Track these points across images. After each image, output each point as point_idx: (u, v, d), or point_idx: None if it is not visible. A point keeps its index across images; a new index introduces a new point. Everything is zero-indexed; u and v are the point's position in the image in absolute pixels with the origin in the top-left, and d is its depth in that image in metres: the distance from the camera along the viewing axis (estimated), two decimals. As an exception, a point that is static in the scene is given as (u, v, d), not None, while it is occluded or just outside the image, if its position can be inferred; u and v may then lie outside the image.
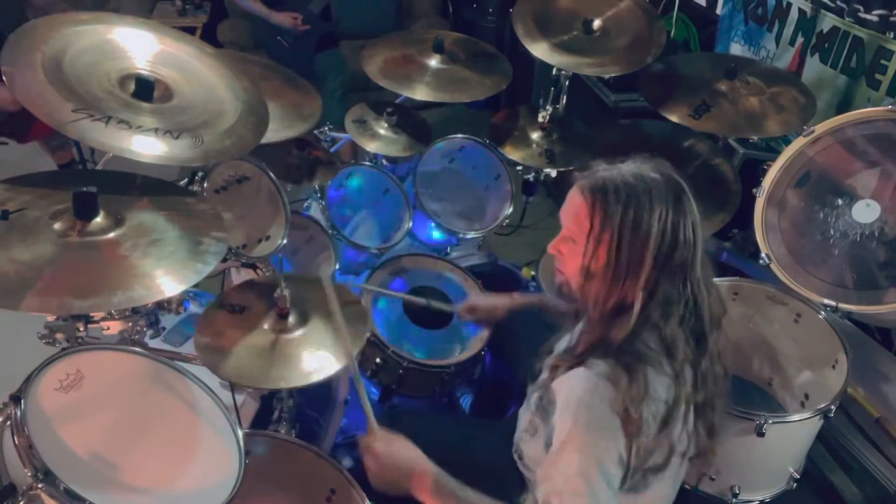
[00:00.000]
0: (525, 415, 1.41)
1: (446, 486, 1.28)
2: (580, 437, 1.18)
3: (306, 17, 3.52)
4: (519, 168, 2.51)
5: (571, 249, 1.28)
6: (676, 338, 1.23)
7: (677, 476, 1.37)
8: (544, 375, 1.34)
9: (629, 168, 1.25)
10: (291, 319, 1.61)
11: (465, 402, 2.27)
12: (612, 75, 2.92)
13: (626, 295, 1.22)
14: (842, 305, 1.89)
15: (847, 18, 2.46)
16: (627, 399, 1.17)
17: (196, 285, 1.40)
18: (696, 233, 1.23)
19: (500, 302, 2.01)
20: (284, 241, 2.05)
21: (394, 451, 1.36)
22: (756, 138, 2.59)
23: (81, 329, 1.54)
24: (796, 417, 1.81)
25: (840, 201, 1.97)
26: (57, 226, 1.35)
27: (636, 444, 1.18)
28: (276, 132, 2.02)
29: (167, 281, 1.32)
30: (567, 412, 1.21)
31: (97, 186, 1.38)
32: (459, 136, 2.55)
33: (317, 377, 1.55)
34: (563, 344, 1.42)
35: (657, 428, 1.21)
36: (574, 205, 1.26)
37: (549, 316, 1.52)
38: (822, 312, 1.95)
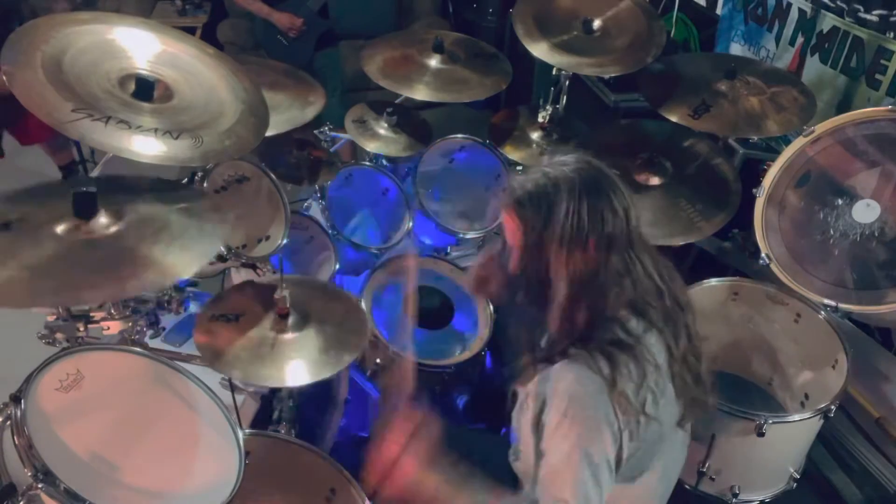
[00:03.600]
0: (514, 416, 1.42)
1: None
2: (566, 429, 1.19)
3: (305, 15, 3.52)
4: (519, 168, 2.51)
5: None
6: (642, 307, 1.27)
7: (671, 463, 1.38)
8: (527, 373, 1.35)
9: (540, 169, 1.29)
10: (291, 320, 1.61)
11: (461, 403, 2.26)
12: (612, 75, 2.92)
13: (571, 283, 1.25)
14: (842, 305, 1.89)
15: (847, 18, 2.45)
16: (613, 384, 1.19)
17: (195, 285, 1.40)
18: (625, 205, 1.26)
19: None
20: (284, 241, 2.05)
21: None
22: (756, 138, 2.59)
23: (81, 329, 1.54)
24: (796, 417, 1.81)
25: (840, 201, 1.97)
26: (60, 229, 1.34)
27: (627, 429, 1.20)
28: (286, 122, 2.05)
29: (182, 261, 1.32)
30: (553, 406, 1.22)
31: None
32: (459, 136, 2.55)
33: (316, 377, 1.55)
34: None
35: (647, 408, 1.23)
36: (506, 224, 1.32)
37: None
38: (822, 312, 1.95)
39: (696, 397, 1.35)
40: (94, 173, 1.60)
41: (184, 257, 1.33)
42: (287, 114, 2.09)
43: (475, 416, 2.18)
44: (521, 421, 1.36)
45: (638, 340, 1.25)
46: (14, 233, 1.31)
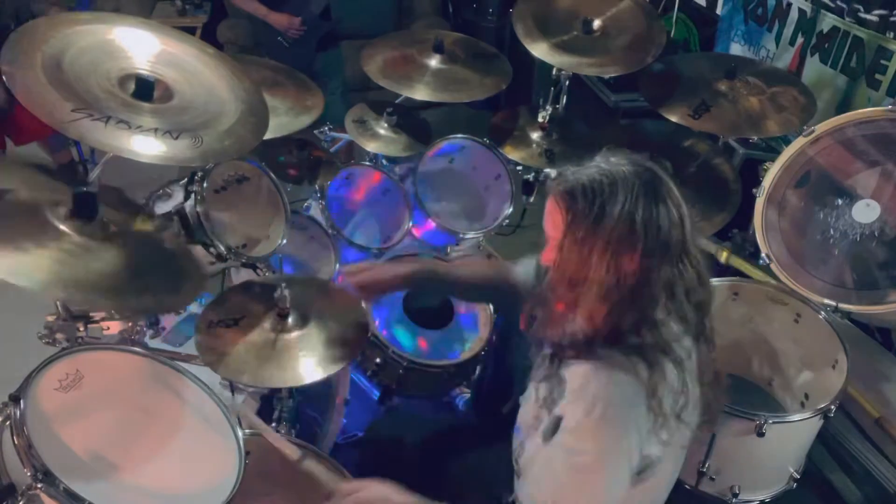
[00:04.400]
0: (531, 409, 1.41)
1: None
2: (592, 430, 1.17)
3: (307, 17, 3.51)
4: (519, 168, 2.51)
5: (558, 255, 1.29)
6: (686, 314, 1.24)
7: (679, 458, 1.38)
8: (549, 367, 1.34)
9: (597, 164, 1.26)
10: (291, 320, 1.61)
11: (461, 401, 2.26)
12: (612, 75, 2.92)
13: (615, 287, 1.22)
14: (842, 305, 1.89)
15: (847, 18, 2.46)
16: (652, 390, 1.17)
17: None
18: (682, 212, 1.24)
19: (389, 273, 1.69)
20: (284, 241, 2.05)
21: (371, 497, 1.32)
22: (756, 138, 2.59)
23: (81, 329, 1.54)
24: (796, 417, 1.81)
25: (840, 201, 1.97)
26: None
27: (653, 435, 1.18)
28: (284, 126, 2.05)
29: None
30: (579, 404, 1.20)
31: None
32: (459, 136, 2.55)
33: (316, 377, 1.55)
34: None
35: (684, 414, 1.21)
36: (550, 213, 1.28)
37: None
38: (822, 312, 1.95)
39: (713, 411, 1.34)
40: (95, 173, 1.59)
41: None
42: (284, 118, 2.09)
43: (477, 415, 2.18)
44: (542, 416, 1.35)
45: (677, 345, 1.23)
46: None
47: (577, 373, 1.23)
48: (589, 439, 1.17)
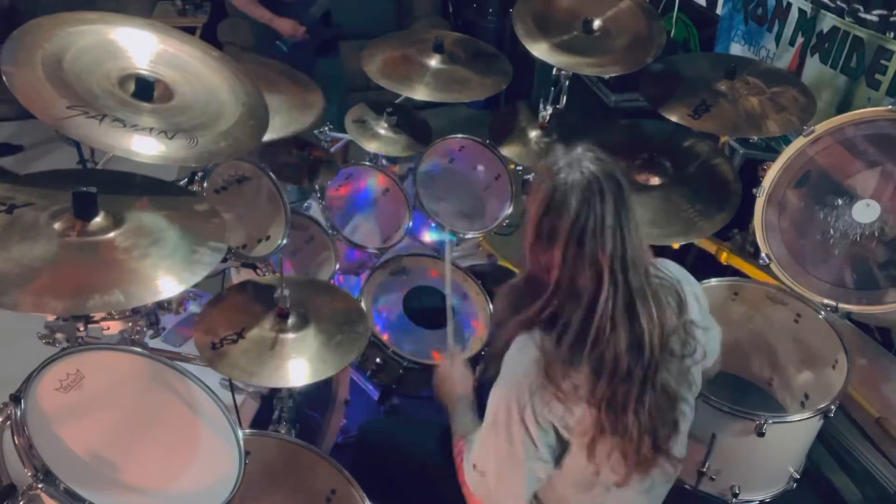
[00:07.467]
0: None
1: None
2: (499, 388, 1.31)
3: (307, 22, 3.49)
4: (519, 168, 2.51)
5: None
6: (613, 312, 1.24)
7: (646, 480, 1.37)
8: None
9: (570, 156, 1.27)
10: (291, 320, 1.61)
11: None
12: (612, 75, 2.92)
13: (564, 272, 1.25)
14: (842, 305, 1.89)
15: (847, 18, 2.46)
16: (549, 362, 1.23)
17: (196, 285, 1.40)
18: (622, 218, 1.23)
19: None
20: (284, 241, 2.05)
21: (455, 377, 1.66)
22: (756, 138, 2.59)
23: (81, 329, 1.54)
24: (796, 417, 1.81)
25: (840, 201, 1.97)
26: (57, 225, 1.35)
27: (558, 410, 1.25)
28: (285, 126, 2.05)
29: (162, 283, 1.34)
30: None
31: (98, 186, 1.38)
32: (459, 136, 2.55)
33: (316, 377, 1.55)
34: None
35: (582, 398, 1.24)
36: (531, 196, 1.32)
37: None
38: (822, 312, 1.95)
39: (658, 413, 1.29)
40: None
41: (167, 278, 1.34)
42: (284, 118, 2.09)
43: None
44: None
45: (584, 331, 1.24)
46: (12, 220, 1.31)
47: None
48: (497, 397, 1.31)
